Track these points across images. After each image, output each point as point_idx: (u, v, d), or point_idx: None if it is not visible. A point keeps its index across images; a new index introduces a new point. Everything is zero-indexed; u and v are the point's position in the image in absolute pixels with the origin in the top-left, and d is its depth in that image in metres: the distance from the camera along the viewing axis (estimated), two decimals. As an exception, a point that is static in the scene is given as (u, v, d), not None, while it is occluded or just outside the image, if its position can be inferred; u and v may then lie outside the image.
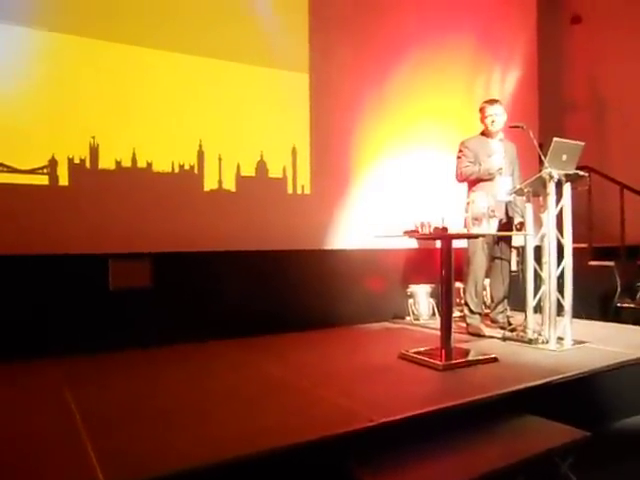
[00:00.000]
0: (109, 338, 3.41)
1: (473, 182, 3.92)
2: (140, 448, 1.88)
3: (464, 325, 4.08)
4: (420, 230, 3.09)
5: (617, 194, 5.28)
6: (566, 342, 3.46)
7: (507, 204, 3.91)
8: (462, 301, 4.81)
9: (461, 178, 3.99)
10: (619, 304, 4.73)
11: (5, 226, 3.26)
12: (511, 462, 2.03)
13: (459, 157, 4.02)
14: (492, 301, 4.23)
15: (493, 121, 3.96)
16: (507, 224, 3.93)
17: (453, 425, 2.24)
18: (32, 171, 3.44)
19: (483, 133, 4.06)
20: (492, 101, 4.07)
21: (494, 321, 4.12)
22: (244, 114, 4.14)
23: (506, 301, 4.12)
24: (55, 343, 3.28)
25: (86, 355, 3.27)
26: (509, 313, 4.15)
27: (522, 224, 3.78)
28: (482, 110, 4.03)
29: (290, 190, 4.37)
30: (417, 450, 2.07)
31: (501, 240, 3.99)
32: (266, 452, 1.84)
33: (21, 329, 3.25)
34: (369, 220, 4.58)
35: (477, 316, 4.01)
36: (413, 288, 4.75)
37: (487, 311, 4.27)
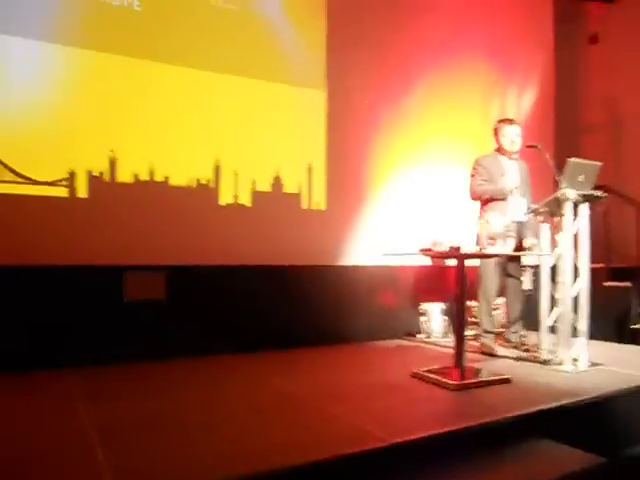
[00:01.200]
0: (123, 350, 3.43)
1: (486, 201, 3.91)
2: (153, 464, 1.88)
3: (477, 344, 4.05)
4: (434, 249, 3.09)
5: (635, 214, 5.23)
6: (581, 364, 3.42)
7: (519, 224, 3.88)
8: (475, 320, 4.80)
9: (475, 196, 3.98)
10: (636, 326, 4.65)
11: (24, 237, 3.31)
12: (524, 486, 2.01)
13: (473, 175, 4.01)
14: (508, 320, 4.20)
15: (512, 141, 3.93)
16: (518, 244, 3.89)
17: (465, 447, 2.22)
18: (52, 183, 3.50)
19: (498, 151, 4.04)
20: (511, 121, 4.04)
21: (508, 341, 4.08)
22: (261, 130, 4.18)
23: (521, 321, 4.08)
24: (69, 355, 3.31)
25: (99, 367, 3.29)
26: (523, 333, 4.11)
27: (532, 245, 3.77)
28: (499, 129, 4.00)
29: (305, 206, 4.39)
30: (428, 471, 2.05)
31: (513, 260, 3.96)
32: (277, 470, 1.84)
33: (35, 340, 3.28)
34: (384, 236, 4.58)
35: (491, 335, 3.98)
36: (426, 306, 4.74)
37: (502, 330, 4.24)
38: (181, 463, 1.88)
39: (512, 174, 3.93)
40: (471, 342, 4.09)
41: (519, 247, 3.87)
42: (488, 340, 3.96)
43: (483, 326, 3.98)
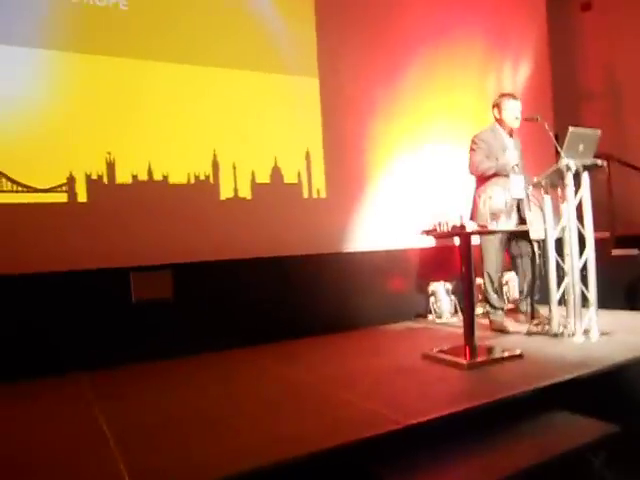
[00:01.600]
0: (133, 350, 3.45)
1: (488, 177, 3.87)
2: (169, 462, 1.89)
3: (487, 322, 4.04)
4: (438, 229, 3.07)
5: (638, 180, 5.18)
6: (593, 334, 3.40)
7: (519, 201, 3.84)
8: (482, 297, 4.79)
9: (477, 172, 3.92)
10: (645, 292, 4.63)
11: (28, 245, 3.32)
12: (542, 460, 2.00)
13: (473, 149, 3.95)
14: (520, 292, 4.17)
15: (517, 117, 3.88)
16: (520, 221, 3.87)
17: (481, 424, 2.22)
18: (51, 189, 3.49)
19: (498, 125, 3.98)
20: (514, 96, 3.97)
21: (520, 311, 4.05)
22: (256, 121, 4.16)
23: (533, 293, 4.05)
24: (80, 357, 3.33)
25: (111, 368, 3.31)
26: (536, 305, 4.07)
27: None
28: (501, 103, 3.93)
29: (306, 194, 4.37)
30: (445, 451, 2.05)
31: (518, 235, 3.93)
32: (290, 459, 1.84)
33: (46, 345, 3.30)
34: (387, 220, 4.57)
35: (500, 312, 3.97)
36: (434, 286, 4.72)
37: (510, 306, 4.22)
38: (197, 459, 1.89)
39: (512, 150, 3.89)
40: (481, 320, 4.08)
41: (522, 224, 3.84)
42: (498, 317, 3.95)
43: (491, 303, 3.97)
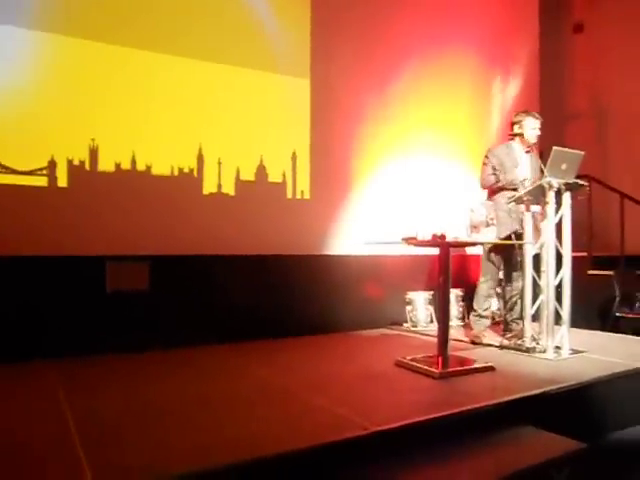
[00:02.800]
0: (105, 341, 3.40)
1: (496, 190, 3.92)
2: (132, 456, 1.86)
3: (465, 332, 4.08)
4: (418, 237, 3.08)
5: (617, 203, 5.27)
6: (564, 351, 3.45)
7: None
8: (460, 308, 4.84)
9: (484, 187, 4.01)
10: (618, 314, 4.70)
11: (2, 226, 3.25)
12: (505, 474, 2.02)
13: (484, 163, 4.00)
14: (505, 307, 4.20)
15: (537, 135, 3.92)
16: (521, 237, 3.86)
17: (448, 434, 2.23)
18: (31, 172, 3.43)
19: (512, 142, 3.99)
20: (536, 115, 3.99)
21: (506, 329, 4.08)
22: (244, 118, 4.14)
23: (517, 310, 4.08)
24: (50, 345, 3.27)
25: (81, 358, 3.26)
26: (517, 322, 4.09)
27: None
28: (523, 120, 3.94)
29: (290, 195, 4.36)
30: (411, 459, 2.06)
31: (514, 252, 3.94)
32: (257, 459, 1.83)
33: (16, 330, 3.23)
34: (369, 225, 4.57)
35: (484, 321, 4.02)
36: (411, 295, 4.74)
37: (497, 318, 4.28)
38: (160, 455, 1.87)
39: (525, 166, 3.93)
40: (460, 330, 4.11)
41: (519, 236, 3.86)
42: (480, 325, 4.00)
43: (477, 308, 4.02)
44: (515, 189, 3.78)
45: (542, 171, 3.45)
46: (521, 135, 3.95)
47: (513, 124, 4.02)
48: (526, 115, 3.99)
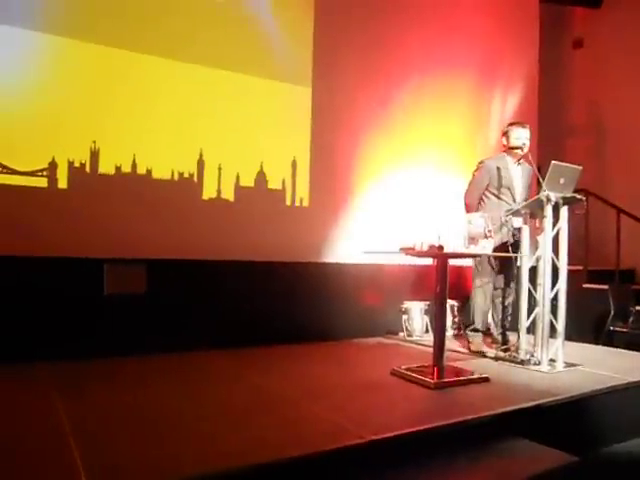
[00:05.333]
0: (102, 344, 3.40)
1: (475, 206, 3.95)
2: (126, 461, 1.86)
3: (460, 343, 4.09)
4: (417, 247, 3.10)
5: (614, 218, 5.31)
6: (558, 364, 3.46)
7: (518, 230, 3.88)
8: (456, 319, 4.85)
9: (468, 200, 4.01)
10: (612, 327, 4.73)
11: (1, 227, 3.25)
12: (499, 485, 2.03)
13: (474, 176, 4.03)
14: (494, 320, 4.23)
15: (524, 144, 3.91)
16: (515, 248, 3.88)
17: (441, 445, 2.24)
18: (31, 173, 3.44)
19: (506, 153, 4.00)
20: (522, 124, 4.01)
21: (495, 341, 4.10)
22: (245, 124, 4.16)
23: (506, 322, 4.11)
24: (47, 347, 3.26)
25: (77, 360, 3.25)
26: (508, 333, 4.12)
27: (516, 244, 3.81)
28: (509, 132, 3.96)
29: (289, 202, 4.38)
30: (405, 469, 2.06)
31: (504, 264, 3.98)
32: (249, 467, 1.83)
33: (13, 332, 3.22)
34: (367, 235, 4.59)
35: (480, 334, 4.03)
36: (408, 304, 4.75)
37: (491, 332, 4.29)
38: (153, 460, 1.87)
39: (516, 177, 3.96)
40: (455, 340, 4.12)
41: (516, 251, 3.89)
42: (477, 339, 4.01)
43: (475, 324, 4.02)
44: (506, 202, 3.83)
45: (539, 183, 3.48)
46: (510, 146, 3.98)
47: (502, 135, 4.06)
48: (512, 125, 4.03)
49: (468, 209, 3.99)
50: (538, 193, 3.48)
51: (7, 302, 3.25)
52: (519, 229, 3.75)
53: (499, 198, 3.92)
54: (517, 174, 3.98)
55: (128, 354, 3.42)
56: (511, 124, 4.07)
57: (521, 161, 4.01)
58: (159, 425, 2.25)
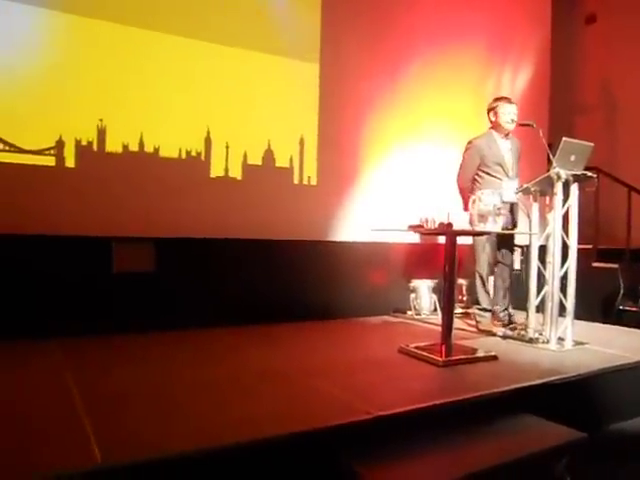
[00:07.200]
0: (110, 321, 3.42)
1: (468, 189, 3.91)
2: (137, 431, 1.89)
3: (471, 321, 4.10)
4: (425, 225, 3.08)
5: (625, 196, 5.25)
6: (567, 343, 3.45)
7: (512, 205, 3.89)
8: (464, 298, 4.84)
9: (462, 183, 4.00)
10: (621, 307, 4.71)
11: (10, 205, 3.25)
12: (506, 460, 2.03)
13: (464, 157, 4.00)
14: (495, 298, 4.22)
15: (512, 120, 3.90)
16: (512, 225, 3.92)
17: (450, 421, 2.25)
18: (39, 152, 3.44)
19: (493, 129, 4.00)
20: (509, 99, 4.00)
21: (497, 319, 4.11)
22: (253, 102, 4.12)
23: (506, 301, 4.11)
24: (57, 324, 3.29)
25: (87, 337, 3.28)
26: (511, 311, 4.14)
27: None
28: (497, 107, 3.95)
29: (296, 180, 4.36)
30: (413, 445, 2.07)
31: (503, 241, 3.97)
32: (257, 441, 1.85)
33: (23, 309, 3.26)
34: (374, 213, 4.57)
35: (488, 313, 4.02)
36: (415, 283, 4.75)
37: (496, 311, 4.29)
38: (164, 435, 1.89)
39: (505, 152, 3.93)
40: (465, 320, 4.12)
41: (513, 229, 3.89)
42: (485, 318, 4.00)
43: (481, 302, 4.01)
44: (498, 178, 3.81)
45: (549, 160, 3.44)
46: (499, 122, 3.94)
47: (489, 112, 4.02)
48: (499, 101, 4.00)
49: (462, 192, 3.97)
50: (548, 170, 3.44)
51: (17, 280, 3.28)
52: (512, 204, 3.78)
53: (492, 175, 3.89)
54: (506, 149, 3.96)
55: (137, 331, 3.45)
56: (498, 99, 4.04)
57: (509, 135, 3.99)
58: (170, 398, 2.28)
